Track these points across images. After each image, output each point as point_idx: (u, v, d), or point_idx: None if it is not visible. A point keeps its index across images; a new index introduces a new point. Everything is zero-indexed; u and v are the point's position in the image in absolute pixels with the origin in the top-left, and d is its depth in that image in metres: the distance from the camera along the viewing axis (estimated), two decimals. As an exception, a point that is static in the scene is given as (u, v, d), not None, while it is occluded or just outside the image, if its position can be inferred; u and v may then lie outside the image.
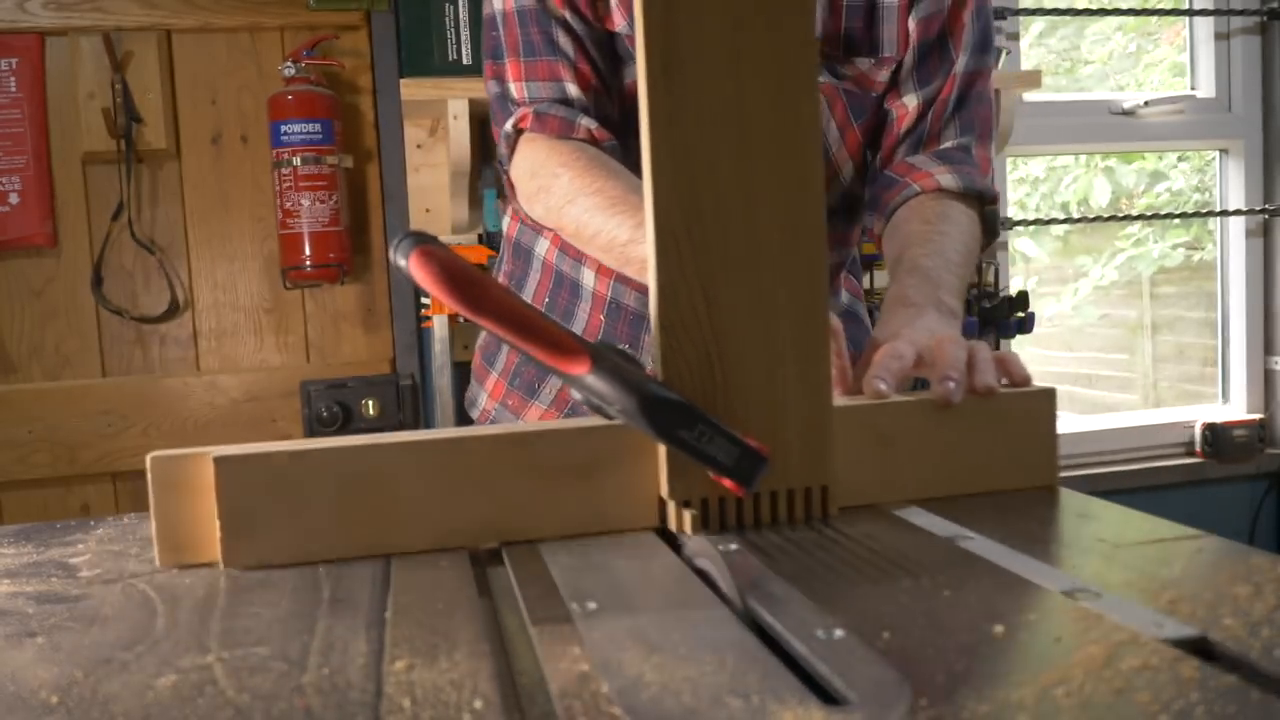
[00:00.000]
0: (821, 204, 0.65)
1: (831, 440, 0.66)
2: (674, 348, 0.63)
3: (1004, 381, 0.74)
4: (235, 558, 0.60)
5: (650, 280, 0.63)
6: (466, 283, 0.59)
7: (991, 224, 1.12)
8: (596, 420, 0.65)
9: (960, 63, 1.14)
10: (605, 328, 1.16)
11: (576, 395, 0.62)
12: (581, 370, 0.60)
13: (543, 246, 1.20)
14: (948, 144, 1.14)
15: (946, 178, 1.09)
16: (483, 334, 1.31)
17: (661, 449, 0.64)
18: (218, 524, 0.60)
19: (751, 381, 0.64)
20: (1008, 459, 0.72)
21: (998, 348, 2.70)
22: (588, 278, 1.16)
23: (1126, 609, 0.47)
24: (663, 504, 0.65)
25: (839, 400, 0.70)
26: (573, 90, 1.04)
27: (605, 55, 1.06)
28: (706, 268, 0.63)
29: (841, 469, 0.66)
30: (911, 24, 1.10)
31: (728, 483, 0.62)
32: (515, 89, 1.07)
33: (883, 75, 1.12)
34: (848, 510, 0.67)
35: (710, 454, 0.61)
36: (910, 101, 1.13)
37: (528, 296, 1.19)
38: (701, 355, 0.63)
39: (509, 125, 1.07)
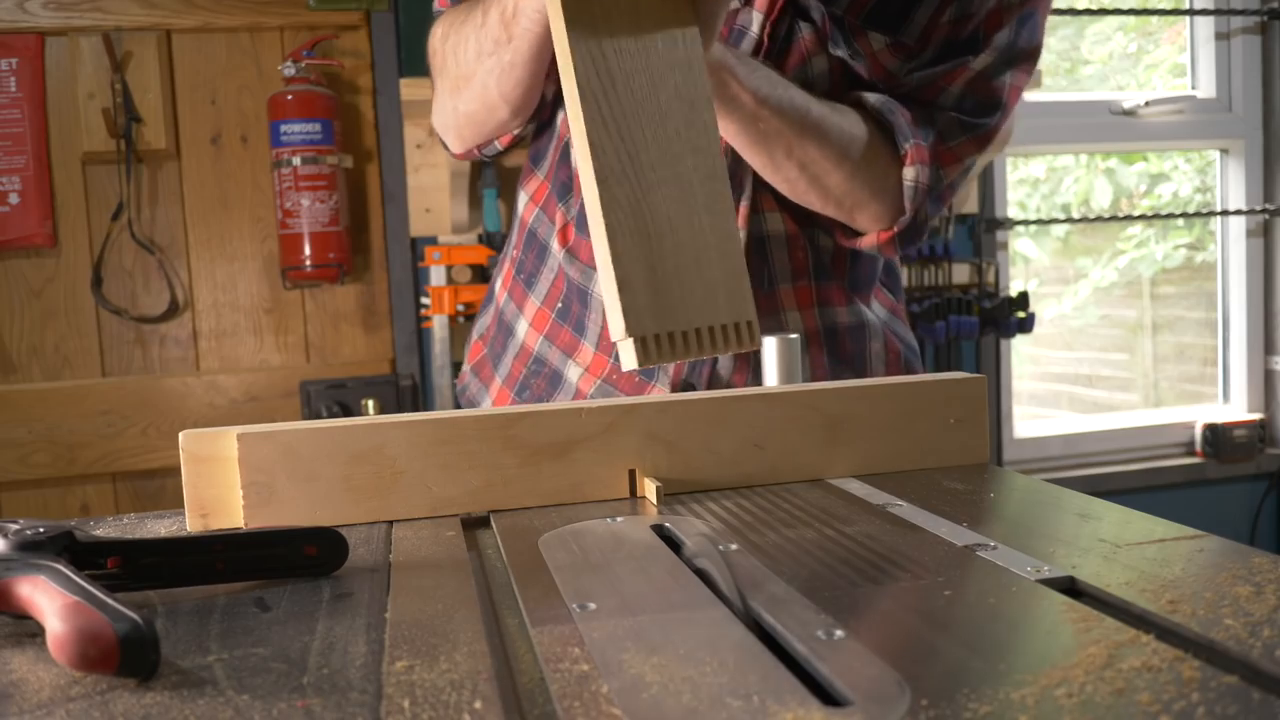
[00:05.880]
0: (705, 79, 0.74)
1: (747, 281, 0.73)
2: (611, 197, 0.70)
3: None
4: (255, 522, 0.67)
5: (578, 140, 0.70)
6: None
7: (913, 213, 0.98)
8: (573, 404, 0.73)
9: (979, 60, 0.98)
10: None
11: None
12: None
13: (556, 246, 1.11)
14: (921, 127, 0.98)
15: (872, 97, 0.97)
16: (483, 322, 1.21)
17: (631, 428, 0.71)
18: (240, 493, 0.66)
19: (678, 226, 0.72)
20: (944, 439, 0.79)
21: (998, 347, 2.70)
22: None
23: (1010, 556, 0.55)
24: (631, 475, 0.72)
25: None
26: None
27: None
28: (625, 129, 0.70)
29: (792, 448, 0.75)
30: (944, 20, 0.97)
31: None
32: None
33: (892, 64, 0.98)
34: (797, 484, 0.75)
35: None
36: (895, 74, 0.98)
37: (540, 292, 1.11)
38: (634, 203, 0.70)
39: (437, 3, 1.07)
